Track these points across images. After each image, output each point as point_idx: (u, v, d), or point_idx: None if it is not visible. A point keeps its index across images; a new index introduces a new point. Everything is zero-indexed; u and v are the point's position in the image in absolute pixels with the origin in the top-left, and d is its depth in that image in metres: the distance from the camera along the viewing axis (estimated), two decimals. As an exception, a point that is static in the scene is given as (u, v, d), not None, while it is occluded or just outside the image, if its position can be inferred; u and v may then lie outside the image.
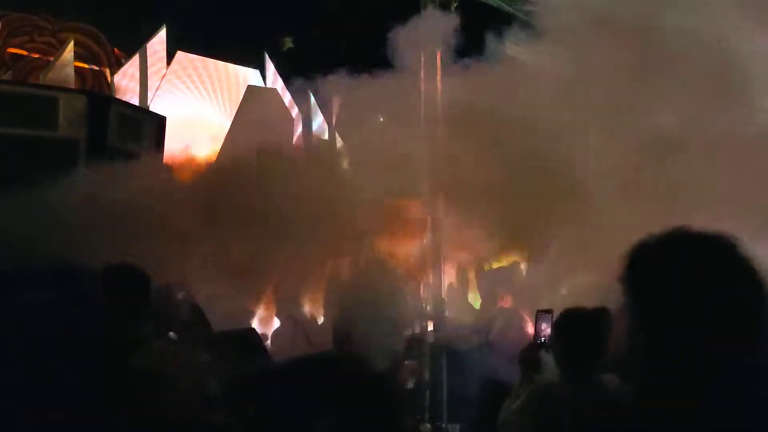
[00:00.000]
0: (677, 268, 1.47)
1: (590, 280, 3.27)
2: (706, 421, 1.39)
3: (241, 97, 7.43)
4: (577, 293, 3.28)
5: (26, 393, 3.04)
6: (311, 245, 4.06)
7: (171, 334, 3.55)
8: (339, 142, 6.16)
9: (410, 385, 4.96)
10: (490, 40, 4.52)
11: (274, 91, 7.68)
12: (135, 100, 7.30)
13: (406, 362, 4.56)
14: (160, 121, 5.06)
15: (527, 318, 4.42)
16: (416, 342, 4.69)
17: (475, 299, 6.01)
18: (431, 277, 5.06)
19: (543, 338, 3.02)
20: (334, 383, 4.04)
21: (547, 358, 3.01)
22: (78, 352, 3.02)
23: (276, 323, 6.32)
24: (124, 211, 3.65)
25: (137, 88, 7.57)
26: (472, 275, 5.97)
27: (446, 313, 5.15)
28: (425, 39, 4.95)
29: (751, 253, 1.46)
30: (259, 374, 3.71)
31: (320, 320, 6.39)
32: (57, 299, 3.35)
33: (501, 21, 4.99)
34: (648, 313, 1.50)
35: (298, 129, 7.53)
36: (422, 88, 4.93)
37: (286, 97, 7.75)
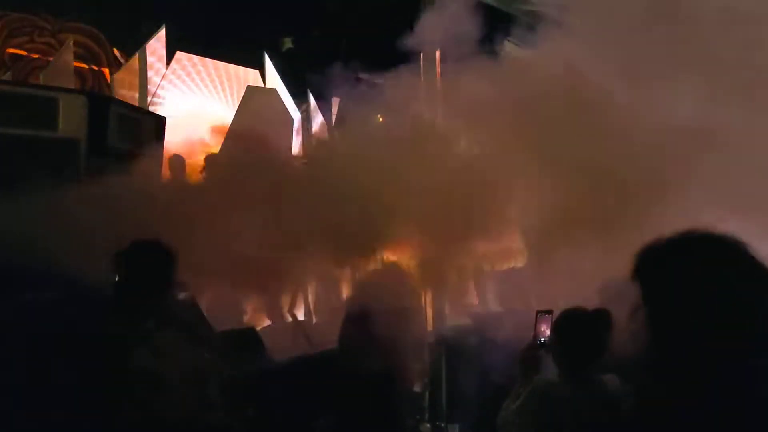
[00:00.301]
0: (686, 268, 1.48)
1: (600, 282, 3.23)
2: (712, 421, 1.39)
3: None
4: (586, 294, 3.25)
5: (26, 393, 3.05)
6: (314, 246, 4.06)
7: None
8: (339, 143, 6.16)
9: (418, 387, 4.96)
10: (490, 39, 4.52)
11: (274, 91, 7.68)
12: (135, 101, 7.30)
13: (412, 363, 4.56)
14: (159, 121, 5.06)
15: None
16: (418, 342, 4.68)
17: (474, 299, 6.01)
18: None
19: (543, 338, 3.03)
20: (336, 383, 4.04)
21: (547, 359, 3.01)
22: (79, 352, 3.02)
23: (276, 323, 6.33)
24: (125, 212, 3.65)
25: (137, 88, 7.58)
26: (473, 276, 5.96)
27: (446, 313, 5.17)
28: (425, 39, 4.95)
29: (759, 255, 1.46)
30: (260, 374, 3.71)
31: (320, 320, 6.39)
32: (57, 299, 3.36)
33: (501, 21, 5.00)
34: (656, 313, 1.50)
35: (298, 129, 7.53)
36: (422, 88, 4.94)
37: (286, 97, 7.76)
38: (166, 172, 6.02)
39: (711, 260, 1.48)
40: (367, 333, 3.99)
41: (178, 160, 6.86)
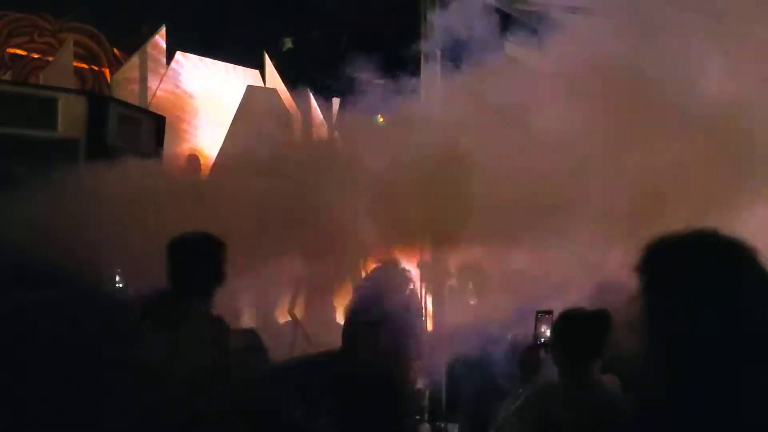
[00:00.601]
0: (687, 267, 1.49)
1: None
2: (706, 420, 1.39)
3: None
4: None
5: (28, 393, 3.04)
6: (313, 246, 4.05)
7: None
8: (339, 143, 6.16)
9: (420, 385, 4.96)
10: (490, 40, 4.51)
11: (274, 91, 7.67)
12: (135, 100, 7.29)
13: (415, 362, 4.57)
14: (159, 121, 5.06)
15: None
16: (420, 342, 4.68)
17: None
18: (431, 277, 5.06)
19: (543, 339, 3.03)
20: (338, 383, 4.04)
21: (547, 359, 3.01)
22: (83, 352, 3.02)
23: (276, 323, 6.33)
24: (124, 211, 3.65)
25: (137, 87, 7.56)
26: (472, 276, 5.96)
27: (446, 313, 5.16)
28: (425, 39, 4.95)
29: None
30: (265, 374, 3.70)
31: (319, 320, 6.39)
32: (58, 299, 3.35)
33: (501, 21, 4.99)
34: (652, 308, 1.51)
35: (298, 129, 7.51)
36: (422, 88, 4.94)
37: (286, 98, 7.74)
38: (182, 171, 5.99)
39: (715, 261, 1.49)
40: (371, 333, 4.00)
41: (194, 161, 6.85)
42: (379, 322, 4.02)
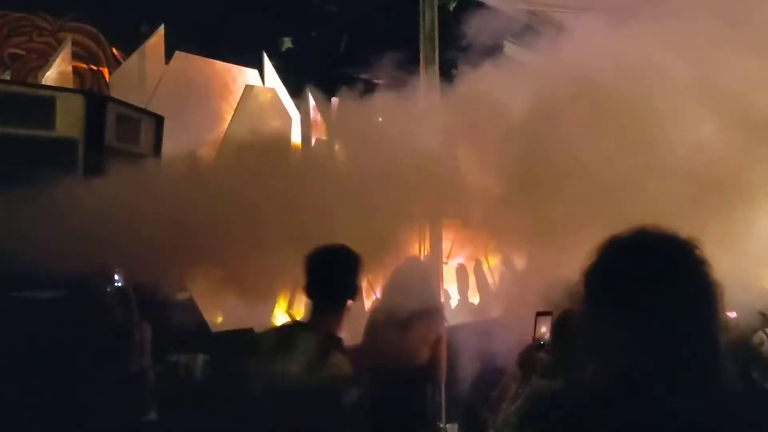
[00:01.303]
0: (637, 265, 1.49)
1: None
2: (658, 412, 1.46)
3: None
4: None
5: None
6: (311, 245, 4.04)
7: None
8: (338, 143, 6.15)
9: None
10: (490, 40, 4.52)
11: (272, 91, 7.66)
12: (133, 100, 7.27)
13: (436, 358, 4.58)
14: (158, 121, 5.04)
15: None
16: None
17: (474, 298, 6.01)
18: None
19: (542, 340, 3.02)
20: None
21: (547, 360, 3.00)
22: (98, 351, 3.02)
23: (276, 323, 6.31)
24: (123, 212, 3.64)
25: (135, 87, 7.54)
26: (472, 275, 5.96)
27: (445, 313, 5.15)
28: (425, 39, 4.95)
29: (707, 258, 1.49)
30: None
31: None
32: (56, 299, 3.35)
33: (500, 21, 4.99)
34: (606, 307, 1.52)
35: (297, 129, 7.50)
36: (422, 88, 4.94)
37: (285, 97, 7.73)
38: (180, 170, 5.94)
39: (667, 259, 1.49)
40: (395, 329, 4.02)
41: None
42: (405, 318, 4.05)
